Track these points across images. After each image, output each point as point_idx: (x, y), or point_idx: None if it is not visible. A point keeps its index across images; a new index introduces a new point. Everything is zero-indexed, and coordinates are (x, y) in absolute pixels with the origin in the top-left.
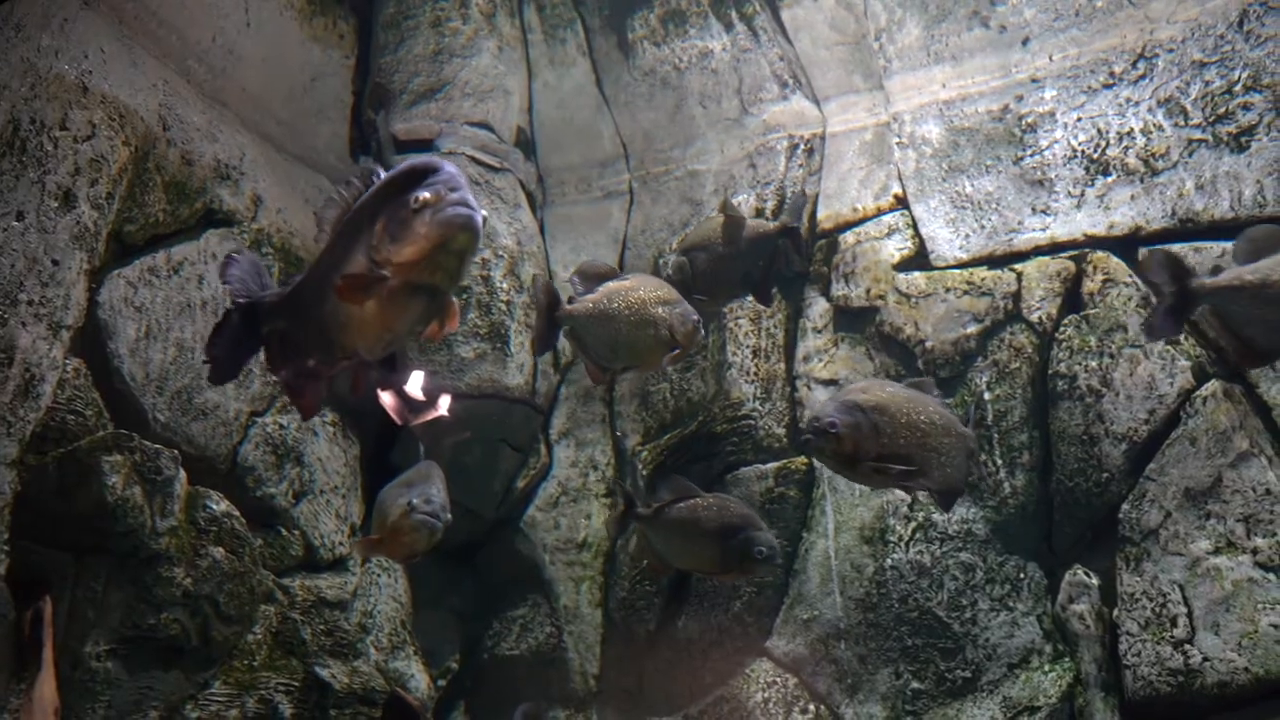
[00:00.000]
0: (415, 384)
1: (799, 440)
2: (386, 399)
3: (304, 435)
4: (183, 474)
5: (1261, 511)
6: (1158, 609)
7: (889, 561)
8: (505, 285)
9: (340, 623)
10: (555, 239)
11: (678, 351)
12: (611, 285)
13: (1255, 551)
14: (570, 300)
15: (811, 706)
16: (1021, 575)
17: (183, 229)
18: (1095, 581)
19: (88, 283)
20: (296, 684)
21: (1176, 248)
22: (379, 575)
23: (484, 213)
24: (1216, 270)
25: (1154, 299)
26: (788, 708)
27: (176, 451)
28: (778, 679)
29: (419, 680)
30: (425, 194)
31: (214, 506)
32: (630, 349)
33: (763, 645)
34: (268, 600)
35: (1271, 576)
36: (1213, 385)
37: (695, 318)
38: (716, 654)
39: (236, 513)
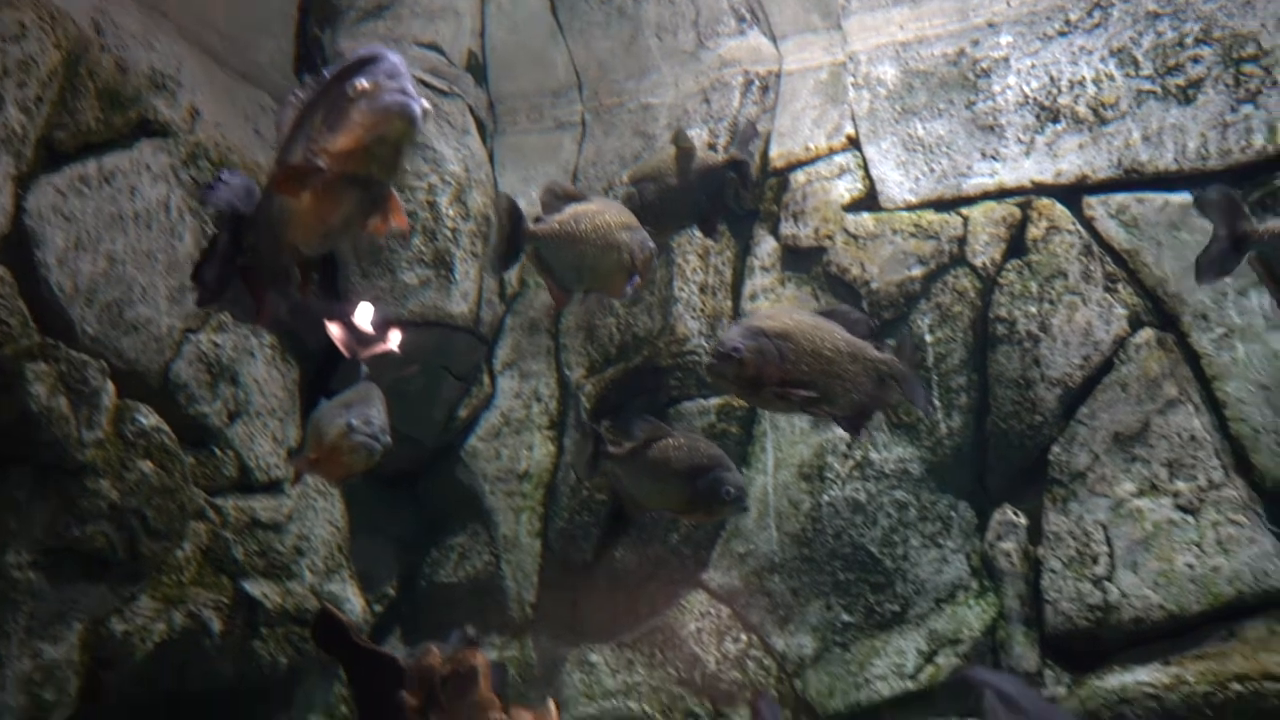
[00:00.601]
0: (364, 316)
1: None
2: (334, 331)
3: (240, 356)
4: (111, 386)
5: (1185, 457)
6: (1081, 547)
7: (826, 498)
8: (451, 212)
9: (274, 544)
10: (505, 168)
11: (638, 280)
12: (578, 208)
13: (1176, 495)
14: (536, 220)
15: (744, 637)
16: (953, 514)
17: (116, 138)
18: (1023, 521)
19: (14, 189)
20: (226, 601)
21: (1120, 198)
22: (315, 499)
23: (424, 103)
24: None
25: (1209, 240)
26: (720, 637)
27: (104, 363)
28: (712, 610)
29: (354, 604)
30: (363, 82)
31: (143, 420)
32: (594, 272)
33: (698, 577)
34: (198, 517)
35: (1190, 519)
36: (1146, 333)
37: (652, 245)
38: (652, 585)
39: (167, 428)
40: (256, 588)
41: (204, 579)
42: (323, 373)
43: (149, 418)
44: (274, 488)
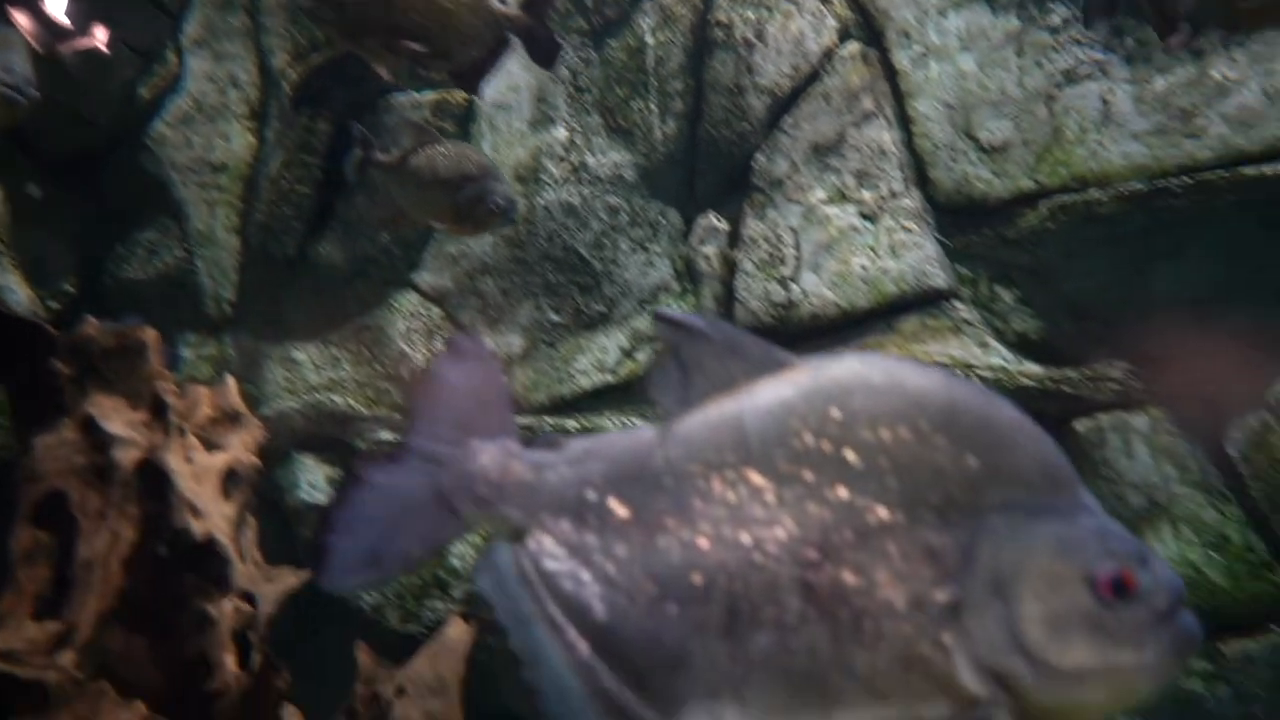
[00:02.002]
0: None
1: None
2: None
3: None
4: None
5: (873, 168)
6: (772, 251)
7: (540, 201)
8: None
9: None
10: None
11: None
12: None
13: (861, 203)
14: None
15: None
16: (662, 219)
17: None
18: (724, 226)
19: None
20: None
21: None
22: None
23: None
24: None
25: None
26: (430, 336)
27: None
28: (422, 310)
29: (18, 294)
30: None
31: None
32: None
33: (409, 277)
34: None
35: (870, 225)
36: (853, 46)
37: None
38: (361, 284)
39: None
40: None
41: None
42: None
43: None
44: None
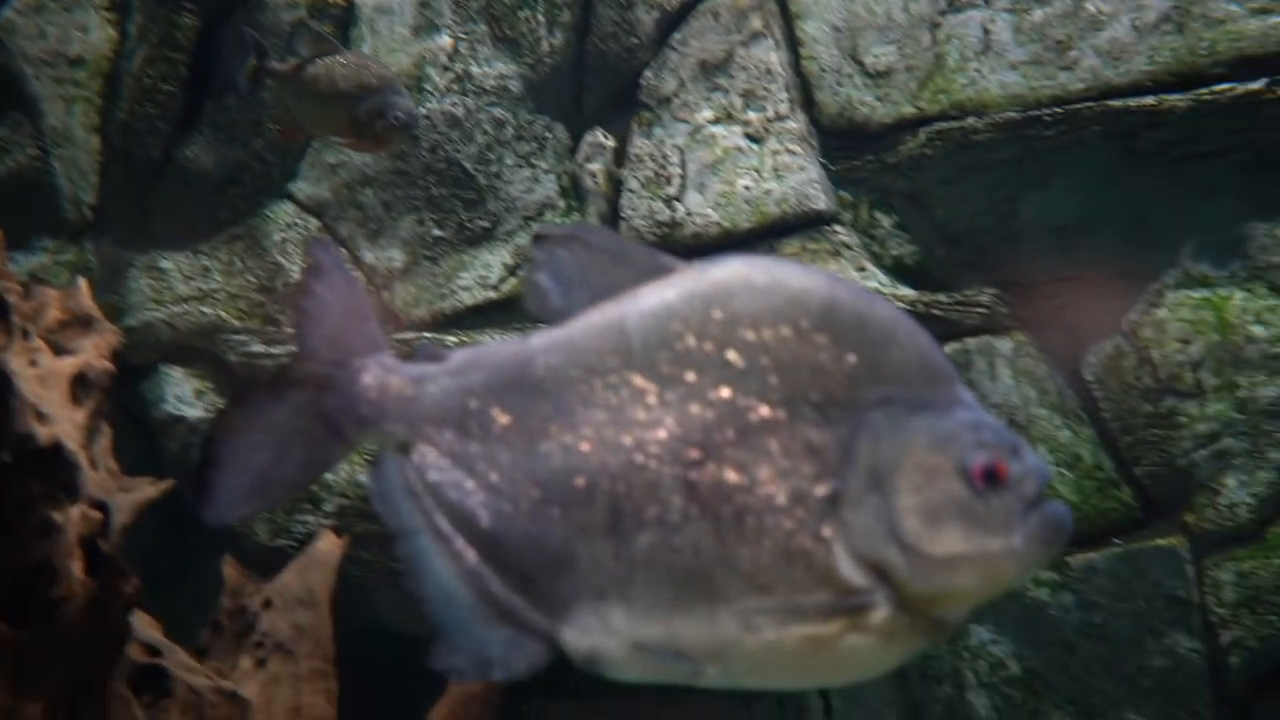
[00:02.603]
0: None
1: None
2: None
3: None
4: None
5: (760, 88)
6: (658, 169)
7: (423, 111)
8: None
9: None
10: None
11: None
12: None
13: (747, 124)
14: None
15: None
16: (549, 134)
17: None
18: (611, 144)
19: None
20: None
21: None
22: None
23: None
24: None
25: None
26: (304, 241)
27: None
28: (299, 220)
29: None
30: None
31: None
32: None
33: (285, 186)
34: None
35: (755, 146)
36: None
37: None
38: (234, 190)
39: None
40: None
41: None
42: None
43: None
44: None
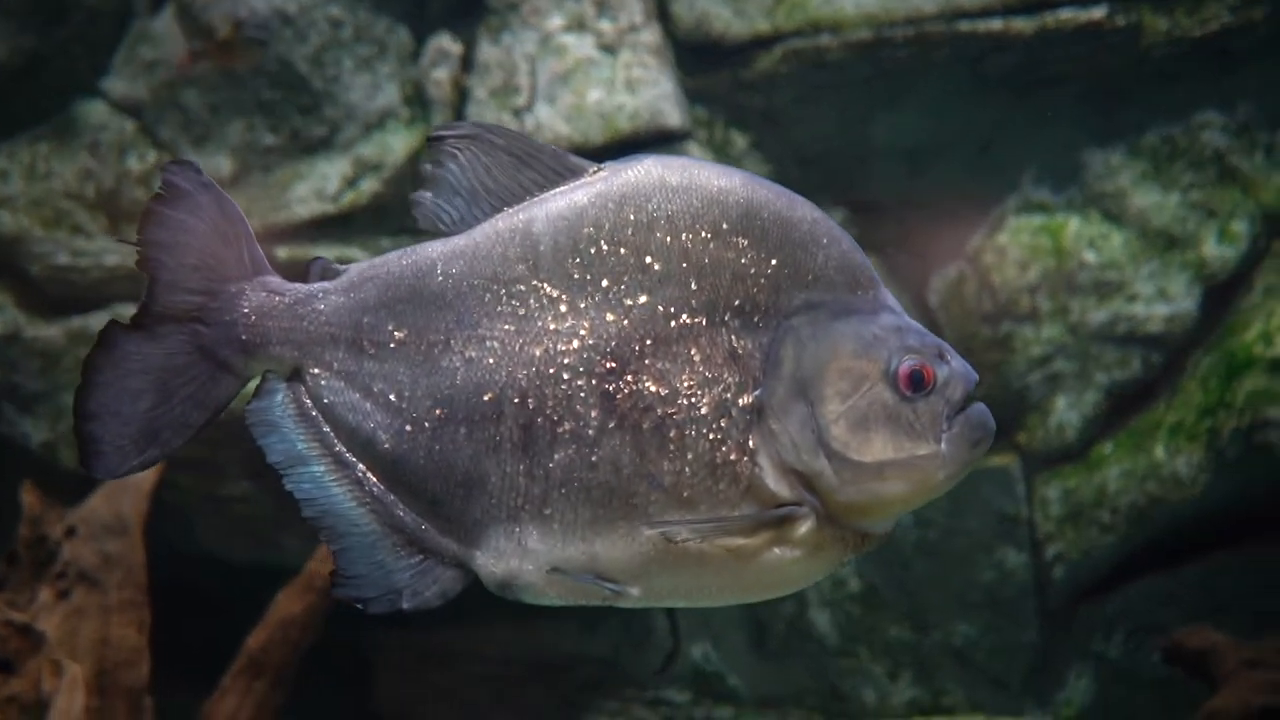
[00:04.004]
0: None
1: None
2: None
3: None
4: None
5: None
6: (507, 79)
7: (256, 6)
8: None
9: None
10: None
11: None
12: None
13: (600, 34)
14: None
15: (152, 154)
16: (390, 37)
17: None
18: (458, 49)
19: None
20: None
21: None
22: None
23: None
24: None
25: None
26: (122, 152)
27: None
28: (112, 122)
29: None
30: None
31: None
32: None
33: (95, 83)
34: None
35: (608, 57)
36: None
37: None
38: (31, 85)
39: None
40: None
41: None
42: None
43: None
44: None
